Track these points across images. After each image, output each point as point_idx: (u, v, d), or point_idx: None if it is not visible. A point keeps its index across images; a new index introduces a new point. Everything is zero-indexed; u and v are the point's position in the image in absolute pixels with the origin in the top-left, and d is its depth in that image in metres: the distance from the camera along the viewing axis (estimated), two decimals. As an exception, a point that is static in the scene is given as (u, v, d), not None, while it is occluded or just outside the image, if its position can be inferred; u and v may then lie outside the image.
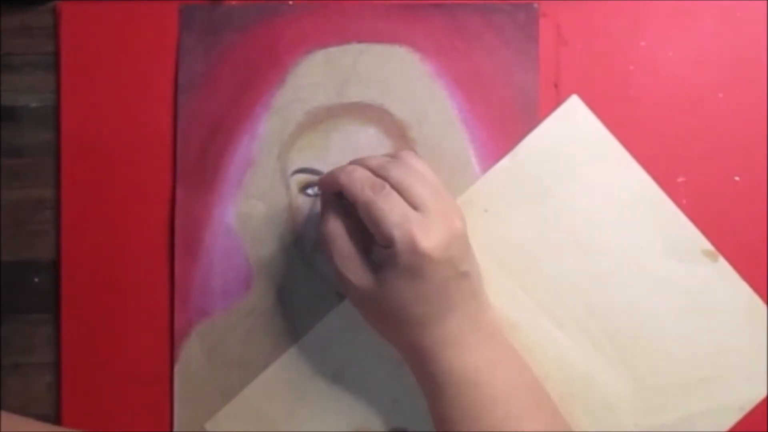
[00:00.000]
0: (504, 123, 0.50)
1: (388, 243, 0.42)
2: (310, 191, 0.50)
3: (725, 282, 0.49)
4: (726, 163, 0.50)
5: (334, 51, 0.51)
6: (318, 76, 0.51)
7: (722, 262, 0.49)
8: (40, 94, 0.51)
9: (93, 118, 0.51)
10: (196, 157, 0.51)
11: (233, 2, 0.51)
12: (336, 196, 0.45)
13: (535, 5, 0.50)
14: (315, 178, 0.50)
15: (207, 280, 0.50)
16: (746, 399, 0.49)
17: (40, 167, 0.51)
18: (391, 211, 0.42)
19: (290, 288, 0.50)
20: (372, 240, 0.43)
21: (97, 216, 0.51)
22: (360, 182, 0.43)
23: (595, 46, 0.50)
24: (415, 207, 0.42)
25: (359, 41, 0.51)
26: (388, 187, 0.42)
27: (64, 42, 0.51)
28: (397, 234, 0.41)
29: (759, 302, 0.49)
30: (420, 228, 0.41)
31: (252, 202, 0.50)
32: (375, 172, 0.43)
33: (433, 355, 0.43)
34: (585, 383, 0.49)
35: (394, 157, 0.45)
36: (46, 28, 0.51)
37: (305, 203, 0.50)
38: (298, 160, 0.50)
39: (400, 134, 0.50)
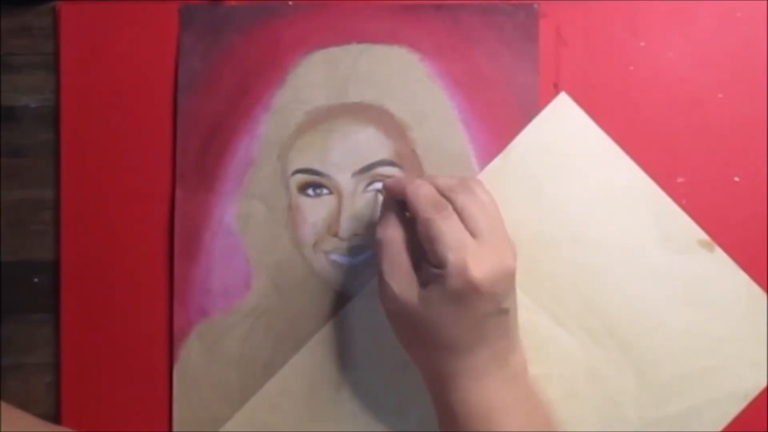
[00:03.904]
0: (504, 123, 0.50)
1: (440, 264, 0.42)
2: (310, 191, 0.50)
3: (723, 272, 0.49)
4: (726, 163, 0.50)
5: (334, 51, 0.51)
6: (318, 76, 0.51)
7: (719, 252, 0.49)
8: (40, 94, 0.51)
9: (93, 118, 0.51)
10: (196, 157, 0.51)
11: (233, 2, 0.51)
12: (398, 204, 0.45)
13: (535, 5, 0.50)
14: (315, 178, 0.50)
15: (207, 280, 0.50)
16: (750, 387, 0.49)
17: (40, 167, 0.51)
18: (449, 233, 0.42)
19: (290, 288, 0.50)
20: (422, 257, 0.43)
21: (97, 216, 0.51)
22: (424, 198, 0.43)
23: (595, 46, 0.50)
24: (473, 235, 0.42)
25: (359, 41, 0.51)
26: (450, 208, 0.43)
27: (64, 42, 0.51)
28: (451, 257, 0.41)
29: (758, 290, 0.49)
30: (474, 257, 0.41)
31: (252, 202, 0.50)
32: (441, 192, 0.44)
33: (454, 384, 0.43)
34: (588, 379, 0.49)
35: (462, 181, 0.45)
36: (46, 28, 0.51)
37: (305, 203, 0.50)
38: (298, 160, 0.50)
39: (400, 134, 0.50)
